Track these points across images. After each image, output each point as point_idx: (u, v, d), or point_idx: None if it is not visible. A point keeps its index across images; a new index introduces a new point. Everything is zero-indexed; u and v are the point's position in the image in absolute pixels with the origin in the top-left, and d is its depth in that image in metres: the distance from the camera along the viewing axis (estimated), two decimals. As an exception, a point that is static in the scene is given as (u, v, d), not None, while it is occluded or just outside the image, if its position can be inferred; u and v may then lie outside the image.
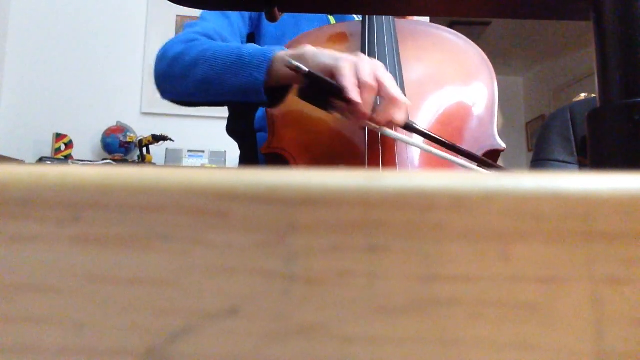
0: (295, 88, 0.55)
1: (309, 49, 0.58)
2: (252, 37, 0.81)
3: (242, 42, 0.78)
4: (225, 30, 0.75)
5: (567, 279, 0.11)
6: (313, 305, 0.11)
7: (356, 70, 0.53)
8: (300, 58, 0.57)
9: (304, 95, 0.54)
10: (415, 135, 0.57)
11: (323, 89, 0.53)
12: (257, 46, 0.65)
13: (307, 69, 0.52)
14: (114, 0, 2.71)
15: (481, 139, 0.61)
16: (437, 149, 0.54)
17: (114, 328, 0.11)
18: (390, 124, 0.54)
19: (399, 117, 0.54)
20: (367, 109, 0.53)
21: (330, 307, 0.11)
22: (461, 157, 0.54)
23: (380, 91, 0.54)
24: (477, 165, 0.54)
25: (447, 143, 0.54)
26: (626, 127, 0.20)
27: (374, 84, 0.53)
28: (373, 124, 0.54)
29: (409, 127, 0.55)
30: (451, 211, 0.11)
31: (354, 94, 0.52)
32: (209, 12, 0.77)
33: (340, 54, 0.56)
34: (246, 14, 0.79)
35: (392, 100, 0.53)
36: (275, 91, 0.61)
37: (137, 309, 0.11)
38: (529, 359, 0.10)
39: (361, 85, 0.52)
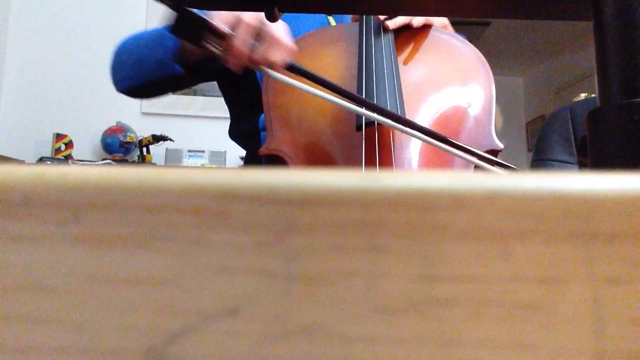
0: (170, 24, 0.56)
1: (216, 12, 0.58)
2: None
3: None
4: None
5: (567, 279, 0.11)
6: (313, 305, 0.11)
7: (237, 15, 0.53)
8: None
9: (176, 30, 0.53)
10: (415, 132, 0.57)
11: (194, 22, 0.52)
12: None
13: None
14: (114, 0, 2.71)
15: (479, 139, 0.61)
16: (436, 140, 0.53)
17: (114, 328, 0.11)
18: (270, 65, 0.54)
19: (278, 57, 0.54)
20: (242, 46, 0.53)
21: (330, 307, 0.11)
22: (458, 149, 0.54)
23: (261, 31, 0.54)
24: (477, 158, 0.54)
25: (436, 134, 0.54)
26: (626, 127, 0.20)
27: (252, 22, 0.52)
28: (253, 65, 0.54)
29: (293, 68, 0.54)
30: (451, 211, 0.11)
31: (218, 22, 0.51)
32: None
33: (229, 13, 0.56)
34: None
35: (272, 40, 0.53)
36: (196, 64, 0.62)
37: (137, 309, 0.11)
38: (529, 359, 0.10)
39: (238, 21, 0.52)
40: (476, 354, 0.10)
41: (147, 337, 0.11)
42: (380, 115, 0.53)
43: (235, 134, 0.87)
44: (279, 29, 0.55)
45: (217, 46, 0.53)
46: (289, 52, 0.55)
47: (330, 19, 0.81)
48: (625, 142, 0.20)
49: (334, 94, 0.54)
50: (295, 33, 0.72)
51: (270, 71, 0.54)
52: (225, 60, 0.55)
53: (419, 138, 0.55)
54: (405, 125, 0.54)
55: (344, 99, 0.53)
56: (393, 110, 0.58)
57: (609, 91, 0.21)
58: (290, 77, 0.54)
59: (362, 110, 0.53)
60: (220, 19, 0.53)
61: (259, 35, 0.55)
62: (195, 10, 0.53)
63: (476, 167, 0.59)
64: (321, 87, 0.54)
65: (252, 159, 0.85)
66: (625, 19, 0.21)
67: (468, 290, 0.11)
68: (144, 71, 0.67)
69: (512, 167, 0.53)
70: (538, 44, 4.19)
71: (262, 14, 0.54)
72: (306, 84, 0.53)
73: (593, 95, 1.45)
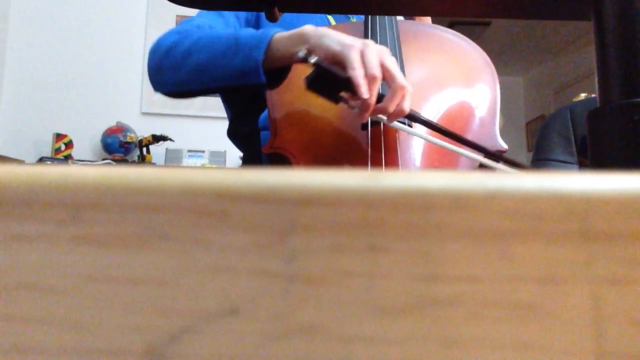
0: (303, 80, 0.54)
1: (309, 29, 0.56)
2: None
3: None
4: (220, 27, 0.74)
5: (567, 279, 0.11)
6: (313, 305, 0.11)
7: (363, 59, 0.52)
8: (301, 38, 0.55)
9: (312, 86, 0.52)
10: (419, 126, 0.57)
11: (331, 80, 0.51)
12: (254, 30, 0.64)
13: (313, 59, 0.50)
14: (114, 0, 2.71)
15: (483, 140, 0.61)
16: (441, 139, 0.53)
17: (114, 328, 0.11)
18: (398, 114, 0.53)
19: (406, 105, 0.53)
20: (373, 100, 0.52)
21: (330, 307, 0.11)
22: (466, 147, 0.54)
23: (387, 80, 0.52)
24: (484, 156, 0.53)
25: (452, 133, 0.53)
26: (626, 127, 0.20)
27: (380, 75, 0.51)
28: (380, 115, 0.53)
29: (413, 117, 0.54)
30: (451, 211, 0.11)
31: (363, 88, 0.50)
32: (204, 14, 0.77)
33: (346, 38, 0.53)
34: (242, 17, 0.79)
35: (399, 89, 0.52)
36: (274, 73, 0.60)
37: (137, 309, 0.11)
38: (529, 359, 0.10)
39: (368, 77, 0.51)
40: (476, 354, 0.10)
41: (147, 337, 0.11)
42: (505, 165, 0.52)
43: (234, 134, 0.87)
44: (399, 72, 0.52)
45: (347, 100, 0.52)
46: (410, 98, 0.53)
47: (330, 19, 0.81)
48: (625, 142, 0.20)
49: (456, 143, 0.52)
50: None
51: (389, 121, 0.53)
52: (351, 108, 0.53)
53: (430, 140, 0.55)
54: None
55: (467, 148, 0.52)
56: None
57: (609, 91, 0.21)
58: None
59: (484, 159, 0.52)
60: (346, 59, 0.51)
61: (386, 83, 0.53)
62: (331, 68, 0.51)
63: (481, 165, 0.59)
64: (440, 136, 0.53)
65: (251, 159, 0.85)
66: (625, 19, 0.21)
67: (468, 290, 0.11)
68: (207, 77, 0.63)
69: (519, 164, 0.53)
70: (538, 44, 4.19)
71: (382, 50, 0.53)
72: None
73: (593, 95, 1.45)
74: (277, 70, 0.60)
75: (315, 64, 0.51)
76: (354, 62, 0.51)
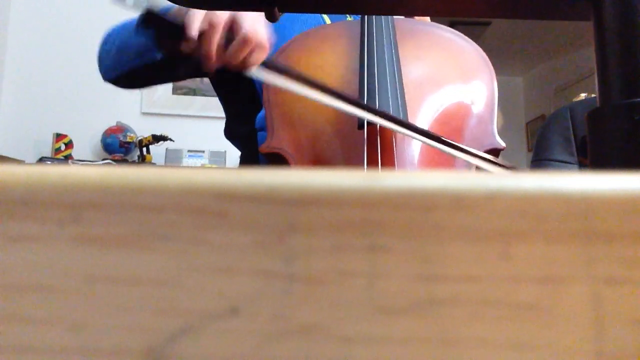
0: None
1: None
2: None
3: None
4: None
5: (567, 279, 0.11)
6: (313, 305, 0.11)
7: (210, 14, 0.51)
8: (182, 12, 0.55)
9: (142, 28, 0.54)
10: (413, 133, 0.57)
11: (165, 27, 0.51)
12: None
13: (145, 6, 0.50)
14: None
15: (481, 138, 0.61)
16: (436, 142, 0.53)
17: (114, 328, 0.11)
18: (245, 66, 0.52)
19: (253, 59, 0.52)
20: (210, 47, 0.51)
21: (330, 307, 0.11)
22: (457, 150, 0.54)
23: (233, 30, 0.52)
24: (477, 159, 0.53)
25: (434, 135, 0.54)
26: (626, 127, 0.20)
27: (219, 21, 0.50)
28: (232, 65, 0.52)
29: (269, 65, 0.52)
30: (451, 211, 0.11)
31: (191, 28, 0.50)
32: None
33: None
34: None
35: (243, 41, 0.51)
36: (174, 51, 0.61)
37: (137, 309, 0.11)
38: (529, 359, 0.10)
39: (208, 21, 0.50)
40: (476, 354, 0.10)
41: (147, 337, 0.11)
42: (374, 115, 0.52)
43: (231, 134, 0.87)
44: (255, 25, 0.52)
45: (184, 47, 0.51)
46: (263, 50, 0.52)
47: (326, 18, 0.81)
48: (625, 142, 0.20)
49: (321, 93, 0.52)
50: (290, 34, 0.72)
51: (252, 71, 0.52)
52: (197, 60, 0.53)
53: (417, 139, 0.55)
54: (404, 127, 0.54)
55: (334, 98, 0.52)
56: (395, 108, 0.58)
57: (609, 91, 0.21)
58: (269, 74, 0.52)
59: (349, 109, 0.52)
60: (192, 18, 0.51)
61: (231, 32, 0.52)
62: (163, 8, 0.51)
63: (478, 166, 0.59)
64: (310, 86, 0.52)
65: (249, 159, 0.85)
66: (625, 19, 0.21)
67: (468, 290, 0.11)
68: (125, 59, 0.66)
69: (512, 167, 0.53)
70: (538, 44, 4.19)
71: (236, 13, 0.53)
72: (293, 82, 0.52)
73: (593, 95, 1.45)
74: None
75: (146, 12, 0.51)
76: (194, 12, 0.51)
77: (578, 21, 0.28)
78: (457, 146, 0.53)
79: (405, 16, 0.78)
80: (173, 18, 0.52)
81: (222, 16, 0.51)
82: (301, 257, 0.11)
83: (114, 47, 0.69)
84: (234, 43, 0.52)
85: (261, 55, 0.52)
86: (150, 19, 0.52)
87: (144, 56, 0.64)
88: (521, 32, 3.99)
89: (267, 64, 0.53)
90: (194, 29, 0.50)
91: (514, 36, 4.06)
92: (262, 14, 0.55)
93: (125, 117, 2.61)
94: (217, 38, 0.51)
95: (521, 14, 0.29)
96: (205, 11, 0.51)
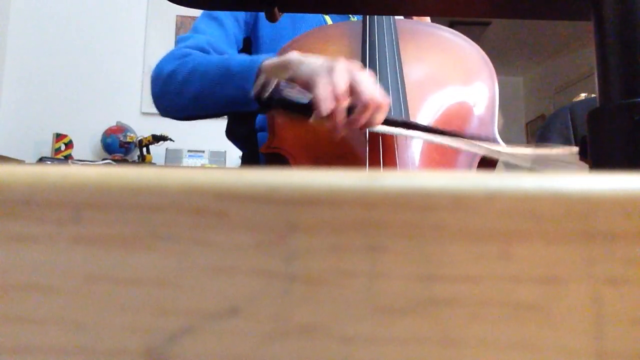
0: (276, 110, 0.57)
1: (293, 57, 0.58)
2: (248, 42, 0.81)
3: (237, 49, 0.79)
4: (220, 40, 0.75)
5: (567, 279, 0.11)
6: (313, 305, 0.11)
7: (330, 80, 0.54)
8: (285, 66, 0.58)
9: (280, 111, 0.56)
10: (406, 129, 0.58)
11: (295, 106, 0.54)
12: (246, 56, 0.66)
13: (270, 94, 0.53)
14: (114, 0, 2.71)
15: (482, 138, 0.61)
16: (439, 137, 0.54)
17: (114, 328, 0.11)
18: (369, 126, 0.55)
19: (377, 119, 0.54)
20: (340, 119, 0.54)
21: (330, 307, 0.11)
22: (462, 140, 0.54)
23: (354, 96, 0.54)
24: (483, 147, 0.54)
25: (445, 132, 0.54)
26: (626, 127, 0.20)
27: (345, 93, 0.53)
28: (355, 127, 0.55)
29: (390, 123, 0.55)
30: (451, 211, 0.11)
31: (323, 108, 0.52)
32: (203, 22, 0.78)
33: (317, 62, 0.56)
34: (241, 19, 0.79)
35: (366, 106, 0.53)
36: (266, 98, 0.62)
37: (137, 309, 0.11)
38: (529, 359, 0.10)
39: (334, 96, 0.53)
40: (476, 354, 0.10)
41: (147, 337, 0.11)
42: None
43: (232, 134, 0.87)
44: (368, 87, 0.54)
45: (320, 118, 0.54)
46: (383, 110, 0.54)
47: (327, 19, 0.81)
48: (625, 142, 0.20)
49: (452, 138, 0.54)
50: (292, 35, 0.72)
51: (379, 127, 0.54)
52: (327, 124, 0.55)
53: (424, 139, 0.56)
54: (407, 128, 0.55)
55: (464, 141, 0.54)
56: (396, 108, 0.58)
57: (609, 91, 0.21)
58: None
59: (483, 145, 0.53)
60: (322, 101, 0.53)
61: (353, 95, 0.54)
62: (290, 97, 0.54)
63: (479, 166, 0.59)
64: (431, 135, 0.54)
65: (250, 159, 0.85)
66: (625, 19, 0.21)
67: (468, 290, 0.11)
68: (210, 105, 0.66)
69: (517, 150, 0.53)
70: (538, 44, 4.19)
71: (352, 68, 0.55)
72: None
73: (593, 95, 1.45)
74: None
75: (273, 99, 0.54)
76: (319, 82, 0.53)
77: (578, 21, 0.28)
78: (462, 138, 0.54)
79: (405, 16, 0.78)
80: (299, 98, 0.54)
81: (344, 85, 0.53)
82: (301, 257, 0.11)
83: (190, 92, 0.67)
84: (357, 110, 0.53)
85: (381, 116, 0.54)
86: (275, 102, 0.54)
87: (238, 106, 0.64)
88: (521, 32, 3.99)
89: (388, 121, 0.55)
90: (326, 110, 0.52)
91: (514, 36, 4.06)
92: (371, 75, 0.56)
93: (125, 117, 2.61)
94: (344, 109, 0.54)
95: (521, 14, 0.29)
96: (329, 85, 0.53)
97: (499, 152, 0.54)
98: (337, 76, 0.54)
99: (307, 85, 0.55)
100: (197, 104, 0.67)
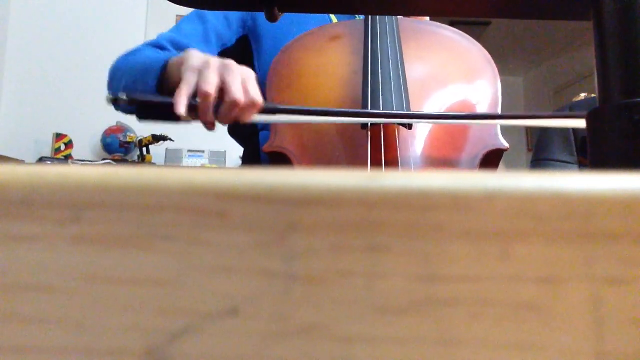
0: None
1: (189, 55, 0.59)
2: (244, 40, 0.82)
3: (221, 47, 0.80)
4: (192, 37, 0.76)
5: (567, 279, 0.11)
6: (313, 305, 0.11)
7: (198, 78, 0.55)
8: (180, 64, 0.59)
9: (141, 117, 0.57)
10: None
11: (159, 108, 0.56)
12: (167, 53, 0.68)
13: (125, 97, 0.54)
14: (114, 0, 2.71)
15: (485, 138, 0.61)
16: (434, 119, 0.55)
17: (114, 328, 0.11)
18: (240, 120, 0.56)
19: (245, 116, 0.55)
20: (206, 117, 0.54)
21: (330, 307, 0.11)
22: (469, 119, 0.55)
23: (223, 94, 0.55)
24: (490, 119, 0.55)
25: (441, 115, 0.55)
26: (626, 127, 0.20)
27: (211, 92, 0.54)
28: (224, 124, 0.56)
29: (269, 111, 0.56)
30: (451, 211, 0.11)
31: (178, 108, 0.53)
32: (187, 19, 0.79)
33: (195, 61, 0.56)
34: (234, 17, 0.79)
35: (231, 105, 0.54)
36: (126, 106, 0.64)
37: (137, 309, 0.11)
38: (529, 359, 0.10)
39: (199, 95, 0.54)
40: (476, 354, 0.10)
41: (147, 337, 0.11)
42: (379, 117, 0.53)
43: (234, 132, 0.88)
44: (245, 84, 0.55)
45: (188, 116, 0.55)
46: (254, 107, 0.55)
47: (332, 17, 0.81)
48: (625, 142, 0.20)
49: (324, 117, 0.55)
50: (295, 33, 0.72)
51: (251, 120, 0.56)
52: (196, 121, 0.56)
53: (429, 122, 0.56)
54: (409, 118, 0.55)
55: (337, 117, 0.54)
56: (399, 107, 0.58)
57: (609, 91, 0.21)
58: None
59: (354, 120, 0.54)
60: (178, 98, 0.54)
61: (222, 93, 0.55)
62: (145, 98, 0.56)
63: (481, 166, 0.59)
64: (312, 114, 0.55)
65: (251, 158, 0.85)
66: (625, 19, 0.21)
67: (468, 290, 0.11)
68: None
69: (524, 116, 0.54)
70: (538, 44, 4.19)
71: (225, 66, 0.56)
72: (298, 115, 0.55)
73: (593, 95, 1.45)
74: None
75: (129, 101, 0.55)
76: (184, 82, 0.55)
77: (578, 21, 0.28)
78: (468, 116, 0.54)
79: (405, 16, 0.78)
80: (158, 100, 0.56)
81: (212, 84, 0.54)
82: (301, 257, 0.11)
83: (118, 87, 0.70)
84: (223, 108, 0.55)
85: (252, 112, 0.55)
86: (136, 103, 0.56)
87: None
88: (521, 32, 3.99)
89: (265, 110, 0.56)
90: (182, 110, 0.53)
91: (514, 36, 4.06)
92: (252, 73, 0.57)
93: (125, 117, 2.60)
94: (209, 109, 0.55)
95: (521, 14, 0.29)
96: (193, 84, 0.54)
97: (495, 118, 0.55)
98: (207, 74, 0.55)
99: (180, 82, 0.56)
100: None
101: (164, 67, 0.62)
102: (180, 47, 0.74)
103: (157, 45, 0.75)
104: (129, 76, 0.69)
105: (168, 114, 0.54)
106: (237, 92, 0.54)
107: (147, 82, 0.64)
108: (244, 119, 0.55)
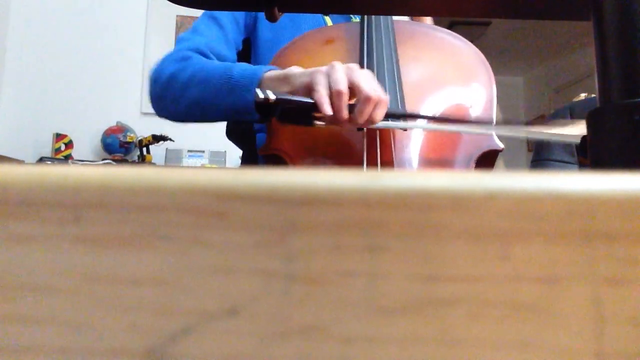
0: (276, 119, 0.59)
1: (293, 70, 0.59)
2: (247, 43, 0.81)
3: (236, 51, 0.79)
4: (220, 43, 0.75)
5: (567, 279, 0.11)
6: (313, 306, 0.11)
7: (329, 80, 0.55)
8: (286, 79, 0.59)
9: (283, 120, 0.57)
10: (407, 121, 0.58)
11: (299, 109, 0.56)
12: (248, 65, 0.66)
13: (274, 96, 0.54)
14: (114, 0, 2.71)
15: (480, 139, 0.61)
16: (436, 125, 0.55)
17: (114, 328, 0.11)
18: (371, 122, 0.56)
19: (378, 114, 0.55)
20: (343, 115, 0.55)
21: (330, 307, 0.11)
22: (461, 124, 0.55)
23: (354, 93, 0.55)
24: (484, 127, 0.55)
25: (445, 118, 0.56)
26: (626, 127, 0.20)
27: (345, 90, 0.55)
28: (359, 124, 0.56)
29: (393, 117, 0.57)
30: (451, 211, 0.11)
31: (325, 107, 0.54)
32: (203, 23, 0.77)
33: (318, 68, 0.57)
34: (241, 20, 0.79)
35: (366, 101, 0.55)
36: (267, 107, 0.62)
37: (137, 309, 0.11)
38: (529, 359, 0.10)
39: (333, 94, 0.55)
40: (476, 354, 0.10)
41: (147, 337, 0.11)
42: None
43: (231, 134, 0.88)
44: (368, 83, 0.55)
45: (323, 120, 0.57)
46: (383, 105, 0.56)
47: (327, 20, 0.81)
48: (625, 142, 0.20)
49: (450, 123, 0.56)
50: (291, 36, 0.72)
51: (380, 123, 0.56)
52: (331, 125, 0.57)
53: (423, 127, 0.56)
54: (407, 119, 0.56)
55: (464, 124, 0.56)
56: (394, 109, 0.58)
57: (609, 91, 0.21)
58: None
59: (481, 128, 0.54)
60: (322, 98, 0.55)
61: (352, 93, 0.55)
62: (292, 98, 0.56)
63: (477, 166, 0.59)
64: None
65: (249, 159, 0.85)
66: (625, 19, 0.21)
67: (468, 290, 0.11)
68: (211, 113, 0.67)
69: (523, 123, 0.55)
70: (538, 44, 4.19)
71: (350, 66, 0.57)
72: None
73: (593, 95, 1.45)
74: (269, 105, 0.62)
75: (277, 100, 0.55)
76: (318, 84, 0.55)
77: (578, 21, 0.28)
78: (464, 121, 0.54)
79: (405, 16, 0.78)
80: (301, 100, 0.56)
81: (343, 84, 0.55)
82: (301, 257, 0.11)
83: (188, 99, 0.67)
84: (359, 106, 0.55)
85: (383, 110, 0.56)
86: (285, 107, 0.56)
87: (238, 115, 0.65)
88: (521, 32, 3.99)
89: (390, 115, 0.57)
90: (328, 109, 0.54)
91: (514, 36, 4.06)
92: (369, 72, 0.57)
93: (125, 117, 2.61)
94: (345, 106, 0.55)
95: (521, 14, 0.29)
96: (328, 86, 0.55)
97: (502, 129, 0.55)
98: (336, 75, 0.55)
99: (308, 90, 0.56)
100: (196, 110, 0.67)
101: (260, 82, 0.61)
102: (218, 54, 0.74)
103: (200, 52, 0.73)
104: (203, 88, 0.67)
105: (307, 116, 0.56)
106: (367, 89, 0.55)
107: (241, 95, 0.62)
108: (376, 117, 0.55)
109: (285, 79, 0.59)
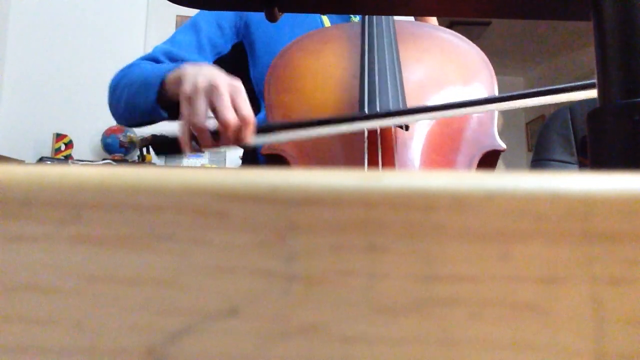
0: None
1: (184, 71, 0.60)
2: (239, 47, 0.82)
3: (215, 55, 0.81)
4: (186, 48, 0.78)
5: (567, 279, 0.11)
6: (313, 305, 0.11)
7: (190, 112, 0.57)
8: (178, 79, 0.61)
9: (158, 151, 0.61)
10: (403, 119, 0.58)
11: (166, 139, 0.59)
12: (167, 66, 0.69)
13: (137, 140, 0.60)
14: (114, 1, 2.71)
15: (482, 139, 0.61)
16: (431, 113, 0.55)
17: (114, 328, 0.11)
18: (241, 141, 0.57)
19: (245, 135, 0.56)
20: (207, 145, 0.57)
21: (330, 307, 0.11)
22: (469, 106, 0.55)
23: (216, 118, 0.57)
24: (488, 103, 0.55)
25: (441, 105, 0.56)
26: (626, 127, 0.20)
27: (203, 126, 0.56)
28: (226, 145, 0.58)
29: (263, 130, 0.57)
30: (451, 211, 0.11)
31: (186, 149, 0.57)
32: (182, 29, 0.81)
33: (190, 83, 0.58)
34: (226, 24, 0.81)
35: (225, 127, 0.56)
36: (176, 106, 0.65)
37: (137, 309, 0.11)
38: (529, 359, 0.10)
39: (195, 130, 0.57)
40: (476, 354, 0.10)
41: (147, 337, 0.11)
42: (377, 119, 0.54)
43: None
44: (227, 107, 0.56)
45: (194, 145, 0.59)
46: (247, 126, 0.56)
47: (325, 21, 0.82)
48: (625, 142, 0.20)
49: (326, 126, 0.56)
50: (288, 38, 0.72)
51: (250, 142, 0.58)
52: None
53: (428, 117, 0.56)
54: (409, 114, 0.56)
55: (337, 125, 0.55)
56: (396, 109, 0.58)
57: (609, 91, 0.21)
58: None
59: (361, 125, 0.54)
60: (182, 137, 0.57)
61: (213, 111, 0.57)
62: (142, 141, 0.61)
63: (478, 167, 0.59)
64: (312, 126, 0.56)
65: (249, 160, 0.85)
66: (625, 19, 0.21)
67: (468, 290, 0.11)
68: (136, 115, 0.71)
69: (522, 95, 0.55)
70: (538, 44, 4.19)
71: (212, 91, 0.57)
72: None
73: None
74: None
75: (145, 143, 0.60)
76: (182, 117, 0.57)
77: (578, 21, 0.28)
78: (467, 102, 0.54)
79: (406, 16, 0.78)
80: (168, 138, 0.59)
81: (202, 117, 0.56)
82: (301, 257, 0.11)
83: (122, 102, 0.72)
84: (220, 132, 0.57)
85: (248, 130, 0.57)
86: (154, 140, 0.60)
87: (147, 116, 0.69)
88: (521, 32, 3.99)
89: (262, 129, 0.58)
90: (188, 150, 0.57)
91: (514, 36, 4.06)
92: (241, 88, 0.57)
93: (125, 117, 2.61)
94: (208, 138, 0.57)
95: (521, 14, 0.29)
96: (188, 119, 0.56)
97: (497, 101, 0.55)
98: (195, 106, 0.57)
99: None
100: (128, 113, 0.73)
101: (162, 84, 0.64)
102: (175, 59, 0.77)
103: (152, 58, 0.77)
104: (128, 91, 0.71)
105: (178, 149, 0.58)
106: (226, 114, 0.56)
107: (147, 96, 0.66)
108: (243, 138, 0.56)
109: (177, 79, 0.61)
